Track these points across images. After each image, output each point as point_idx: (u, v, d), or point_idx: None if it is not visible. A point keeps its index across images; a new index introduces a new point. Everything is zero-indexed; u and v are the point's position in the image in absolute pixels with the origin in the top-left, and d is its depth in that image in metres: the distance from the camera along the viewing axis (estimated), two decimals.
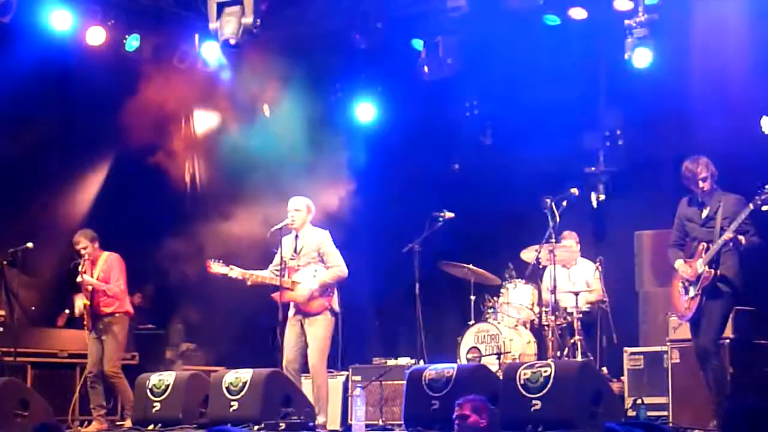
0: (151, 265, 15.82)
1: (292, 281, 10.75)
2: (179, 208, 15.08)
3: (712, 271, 9.33)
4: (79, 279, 11.92)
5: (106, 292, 11.93)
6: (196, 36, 13.10)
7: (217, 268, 10.96)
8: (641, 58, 11.70)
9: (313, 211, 11.05)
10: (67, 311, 13.63)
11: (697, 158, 9.57)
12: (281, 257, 10.79)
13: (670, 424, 9.68)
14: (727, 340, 10.30)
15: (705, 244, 9.42)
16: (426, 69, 13.24)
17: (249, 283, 10.89)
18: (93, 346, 11.96)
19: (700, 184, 9.52)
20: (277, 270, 10.84)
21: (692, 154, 9.80)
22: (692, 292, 9.45)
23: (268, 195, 12.84)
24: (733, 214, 9.33)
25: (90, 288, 11.90)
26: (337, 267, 10.78)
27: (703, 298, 9.38)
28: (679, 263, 9.64)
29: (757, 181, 9.47)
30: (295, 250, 10.88)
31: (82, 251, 11.98)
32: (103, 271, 12.02)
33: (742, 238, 9.26)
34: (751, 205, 9.19)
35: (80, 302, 12.10)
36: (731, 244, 9.27)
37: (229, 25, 11.31)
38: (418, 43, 13.46)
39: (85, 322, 11.99)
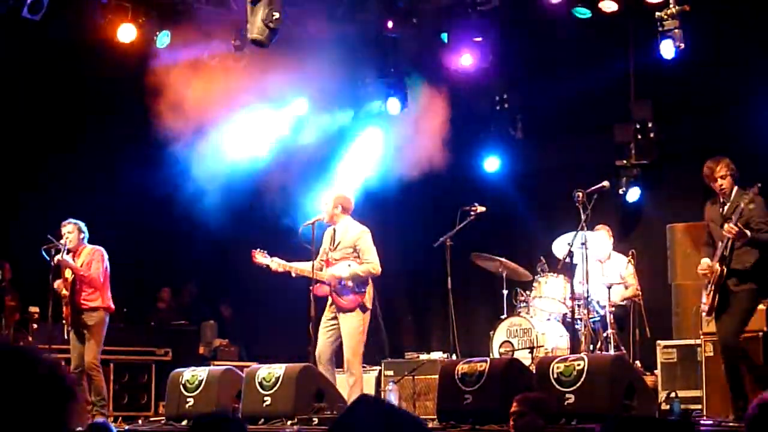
0: (190, 264, 15.95)
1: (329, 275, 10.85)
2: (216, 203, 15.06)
3: (720, 268, 9.41)
4: (58, 257, 11.64)
5: (86, 283, 11.68)
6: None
7: (260, 258, 11.04)
8: (672, 49, 11.63)
9: (348, 204, 11.07)
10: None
11: (719, 158, 9.58)
12: (317, 251, 10.92)
13: (704, 418, 9.63)
14: (761, 332, 10.29)
15: (723, 243, 9.45)
16: (456, 64, 13.25)
17: (293, 275, 10.96)
18: (75, 342, 11.79)
19: (719, 181, 9.52)
20: (321, 261, 10.96)
21: (724, 145, 9.79)
22: (708, 288, 9.52)
23: (302, 188, 12.95)
24: (748, 212, 9.35)
25: (71, 278, 11.70)
26: (371, 264, 10.82)
27: (716, 295, 9.43)
28: (702, 261, 9.70)
29: None
30: (332, 243, 10.97)
31: (67, 234, 11.72)
32: (85, 263, 11.76)
33: (747, 231, 9.25)
34: (744, 200, 9.23)
35: (56, 284, 11.74)
36: (737, 236, 9.25)
37: (256, 23, 11.38)
38: (447, 37, 13.44)
39: (64, 316, 11.75)
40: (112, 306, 11.93)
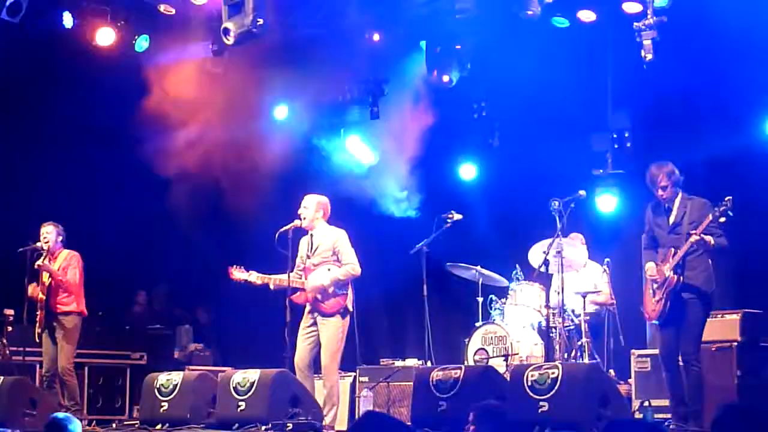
0: (167, 267, 15.90)
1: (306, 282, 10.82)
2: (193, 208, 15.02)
3: (676, 276, 9.40)
4: (38, 262, 11.69)
5: (63, 287, 11.72)
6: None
7: (238, 274, 11.02)
8: (649, 60, 11.65)
9: (328, 210, 11.06)
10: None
11: (664, 164, 9.60)
12: (294, 258, 10.88)
13: (673, 426, 9.66)
14: (735, 343, 10.34)
15: (673, 250, 9.47)
16: (435, 72, 13.25)
17: (272, 286, 10.93)
18: (48, 345, 11.81)
19: (660, 191, 9.56)
20: (298, 271, 10.91)
21: (699, 156, 9.81)
22: (658, 295, 9.53)
23: (281, 196, 12.92)
24: (698, 218, 9.38)
25: (48, 282, 11.71)
26: (350, 265, 10.78)
27: (668, 302, 9.45)
28: (649, 265, 9.71)
29: (760, 183, 9.46)
30: (310, 249, 10.93)
31: (46, 235, 11.80)
32: (62, 268, 11.80)
33: (709, 238, 9.28)
34: (710, 215, 9.25)
35: (31, 289, 11.79)
36: (698, 245, 9.31)
37: (234, 25, 11.38)
38: (426, 45, 13.45)
39: (38, 319, 11.76)
40: (85, 310, 11.96)
